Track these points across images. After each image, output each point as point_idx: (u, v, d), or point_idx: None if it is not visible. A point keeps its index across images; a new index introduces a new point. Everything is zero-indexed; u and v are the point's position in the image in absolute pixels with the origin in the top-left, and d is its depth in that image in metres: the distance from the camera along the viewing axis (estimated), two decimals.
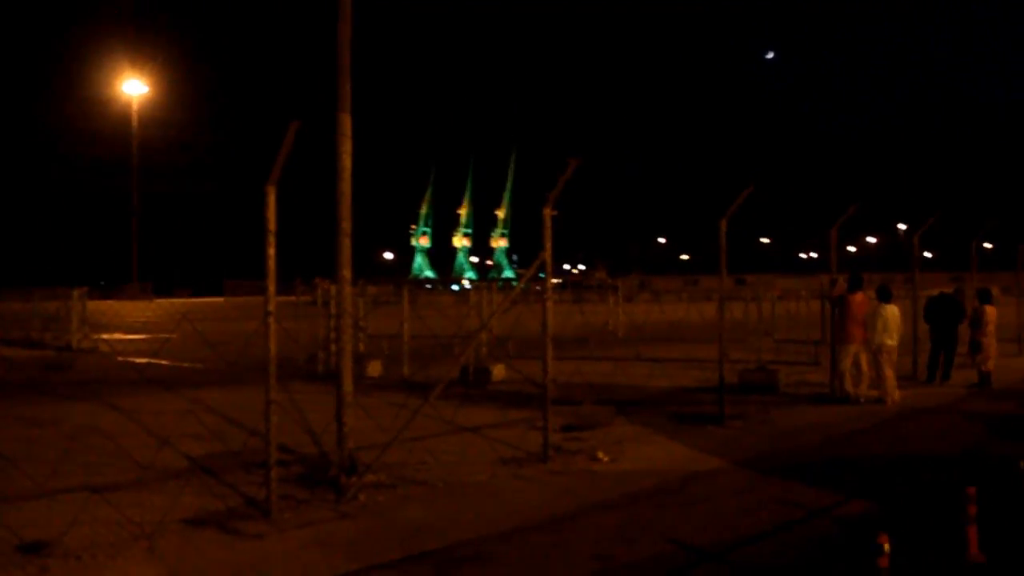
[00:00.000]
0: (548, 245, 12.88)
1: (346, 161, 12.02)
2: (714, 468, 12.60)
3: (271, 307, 10.19)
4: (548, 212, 12.83)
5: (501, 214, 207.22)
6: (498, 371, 22.37)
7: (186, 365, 27.11)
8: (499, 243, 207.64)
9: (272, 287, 10.15)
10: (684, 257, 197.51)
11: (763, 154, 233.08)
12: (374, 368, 23.78)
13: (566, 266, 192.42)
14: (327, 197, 12.11)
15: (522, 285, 13.29)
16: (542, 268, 12.94)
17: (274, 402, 10.08)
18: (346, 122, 11.93)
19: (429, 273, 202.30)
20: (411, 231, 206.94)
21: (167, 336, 36.74)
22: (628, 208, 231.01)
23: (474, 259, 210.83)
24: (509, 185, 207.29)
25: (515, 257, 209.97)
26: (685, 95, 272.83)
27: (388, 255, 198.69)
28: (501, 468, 12.43)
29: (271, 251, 10.07)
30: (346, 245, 12.09)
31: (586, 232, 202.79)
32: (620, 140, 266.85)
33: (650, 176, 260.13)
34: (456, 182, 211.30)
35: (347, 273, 12.10)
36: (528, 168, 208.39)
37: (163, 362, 27.78)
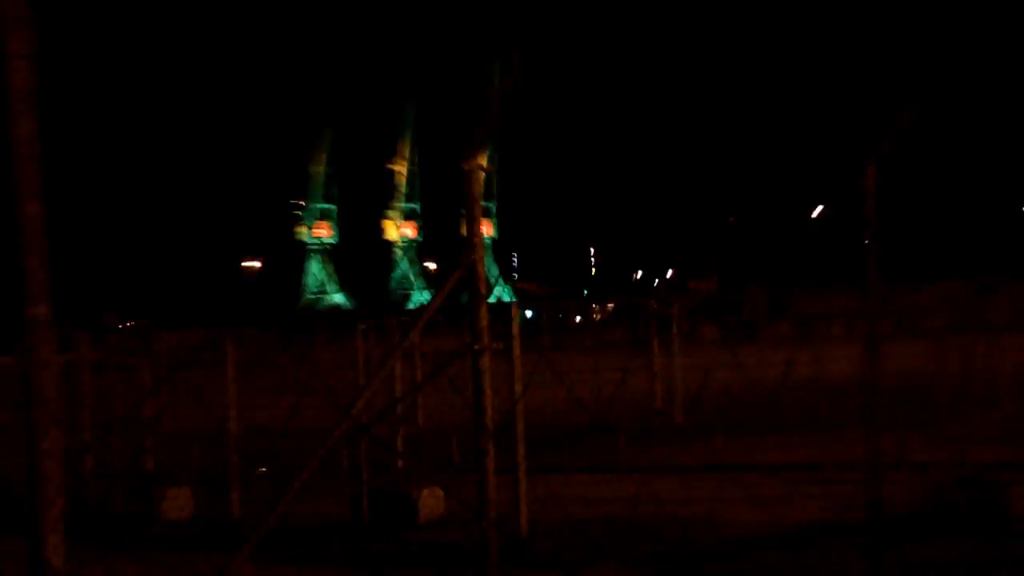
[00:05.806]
0: (477, 233, 5.82)
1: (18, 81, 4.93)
2: None
3: None
4: (477, 164, 5.80)
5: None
6: (429, 501, 12.46)
7: None
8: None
9: None
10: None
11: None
12: (177, 503, 13.44)
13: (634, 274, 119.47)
14: None
15: (432, 310, 6.07)
16: (469, 286, 5.91)
17: None
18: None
19: (337, 297, 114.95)
20: (297, 216, 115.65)
21: None
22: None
23: (430, 264, 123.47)
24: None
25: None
26: None
27: (254, 264, 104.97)
28: None
29: None
30: (36, 247, 4.89)
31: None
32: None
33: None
34: (375, 121, 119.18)
35: (43, 311, 4.84)
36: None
37: None
